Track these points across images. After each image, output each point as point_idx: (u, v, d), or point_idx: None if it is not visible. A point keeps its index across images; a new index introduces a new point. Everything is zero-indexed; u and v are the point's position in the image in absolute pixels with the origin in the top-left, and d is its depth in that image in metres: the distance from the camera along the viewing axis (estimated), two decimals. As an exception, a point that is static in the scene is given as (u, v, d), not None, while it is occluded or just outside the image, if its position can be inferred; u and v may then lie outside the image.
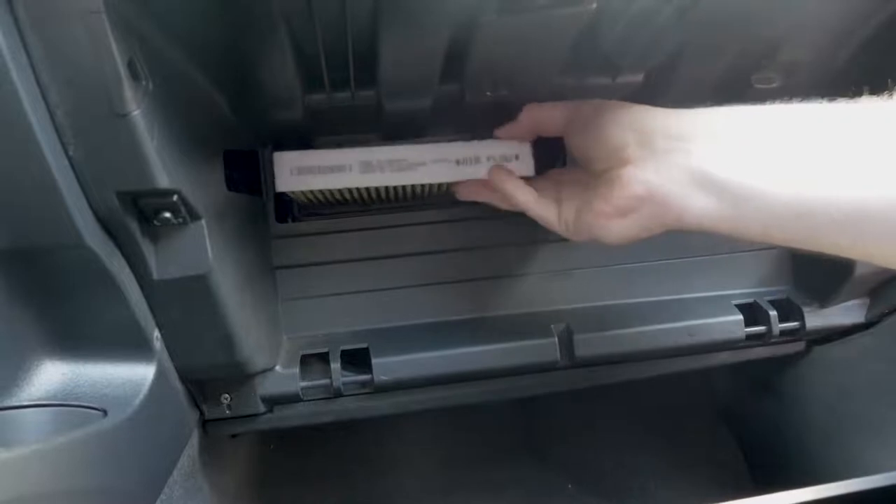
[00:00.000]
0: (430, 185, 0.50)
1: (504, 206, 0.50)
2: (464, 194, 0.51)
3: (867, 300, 0.64)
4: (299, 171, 0.48)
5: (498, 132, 0.49)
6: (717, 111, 0.38)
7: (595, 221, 0.42)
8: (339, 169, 0.48)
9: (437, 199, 0.57)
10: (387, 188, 0.50)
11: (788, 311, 0.62)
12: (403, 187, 0.50)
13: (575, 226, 0.45)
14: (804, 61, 0.50)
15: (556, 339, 0.57)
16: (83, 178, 0.35)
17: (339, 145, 0.50)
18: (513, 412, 0.88)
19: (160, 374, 0.43)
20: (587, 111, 0.43)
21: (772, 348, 0.66)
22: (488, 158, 0.49)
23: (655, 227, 0.40)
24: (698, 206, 0.37)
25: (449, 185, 0.51)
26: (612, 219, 0.41)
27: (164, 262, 0.41)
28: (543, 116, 0.47)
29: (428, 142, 0.49)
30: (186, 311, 0.43)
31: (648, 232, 0.40)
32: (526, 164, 0.49)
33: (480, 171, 0.49)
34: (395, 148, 0.48)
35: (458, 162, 0.49)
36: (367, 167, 0.48)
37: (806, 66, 0.51)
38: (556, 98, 0.49)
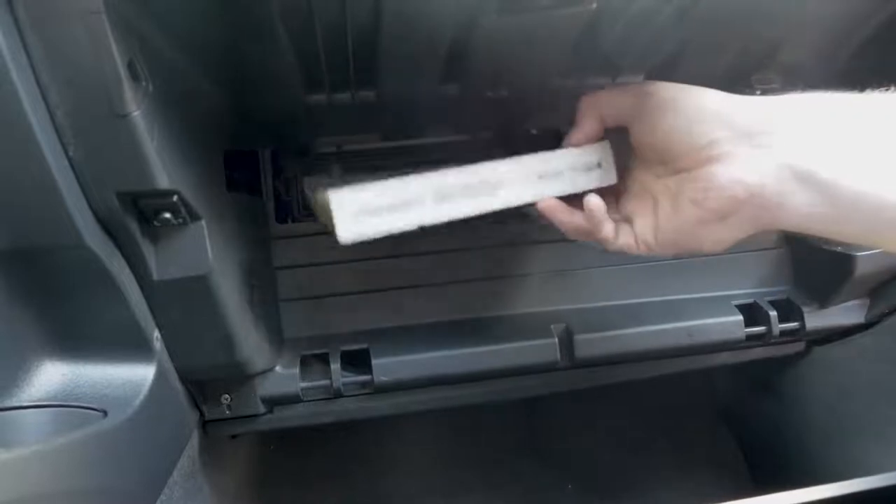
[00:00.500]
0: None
1: (574, 235, 0.43)
2: (547, 215, 0.43)
3: (867, 300, 0.64)
4: (365, 213, 0.39)
5: (570, 140, 0.43)
6: (813, 99, 0.35)
7: (689, 231, 0.38)
8: (410, 204, 0.40)
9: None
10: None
11: (788, 311, 0.62)
12: None
13: (660, 242, 0.40)
14: (804, 61, 0.50)
15: (556, 339, 0.57)
16: (83, 178, 0.35)
17: (377, 168, 0.46)
18: (513, 412, 0.88)
19: (160, 375, 0.43)
20: (660, 98, 0.38)
21: (772, 349, 0.66)
22: (571, 170, 0.42)
23: (751, 230, 0.37)
24: (796, 206, 0.34)
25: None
26: (708, 225, 0.37)
27: (164, 263, 0.41)
28: (605, 104, 0.41)
29: (503, 157, 0.43)
30: (186, 311, 0.43)
31: (744, 234, 0.37)
32: (608, 171, 0.43)
33: (564, 187, 0.42)
34: (468, 169, 0.41)
35: (539, 177, 0.42)
36: (442, 197, 0.40)
37: (806, 66, 0.51)
38: (555, 98, 0.49)
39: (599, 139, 0.43)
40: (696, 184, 0.37)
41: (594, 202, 0.41)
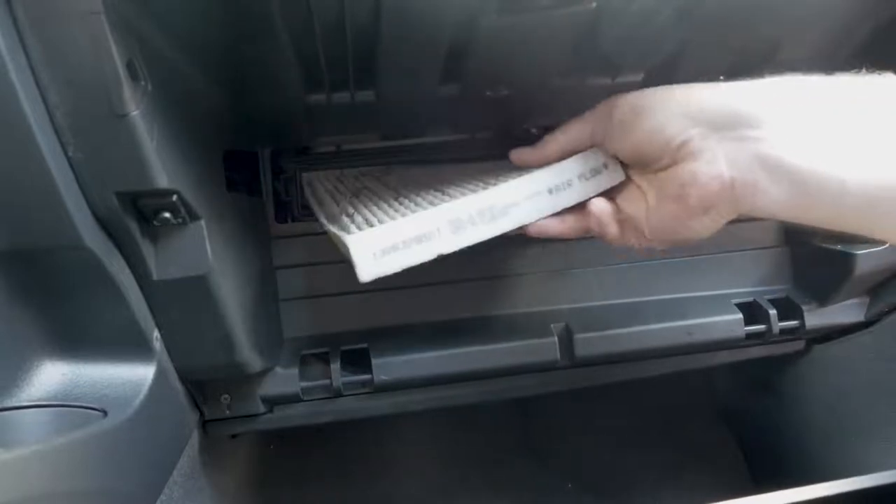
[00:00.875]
0: None
1: (572, 236, 0.44)
2: (542, 236, 0.44)
3: (867, 299, 0.64)
4: (383, 253, 0.39)
5: (519, 156, 0.44)
6: (780, 84, 0.36)
7: (676, 223, 0.39)
8: (427, 237, 0.40)
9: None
10: None
11: (788, 309, 0.62)
12: None
13: (651, 233, 0.41)
14: (804, 61, 0.50)
15: (556, 338, 0.57)
16: (82, 178, 0.35)
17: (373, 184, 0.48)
18: (513, 412, 0.88)
19: (160, 375, 0.43)
20: (623, 110, 0.39)
21: (771, 347, 0.66)
22: (580, 177, 0.42)
23: (732, 216, 0.38)
24: (771, 194, 0.35)
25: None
26: (693, 218, 0.38)
27: (163, 263, 0.41)
28: (569, 140, 0.42)
29: (510, 174, 0.44)
30: (186, 311, 0.43)
31: (728, 219, 0.38)
32: (614, 170, 0.43)
33: (574, 195, 0.42)
34: (480, 195, 0.41)
35: (550, 191, 0.42)
36: (457, 226, 0.40)
37: (806, 65, 0.51)
38: (555, 98, 0.49)
39: None
40: (675, 181, 0.38)
41: (601, 207, 0.42)
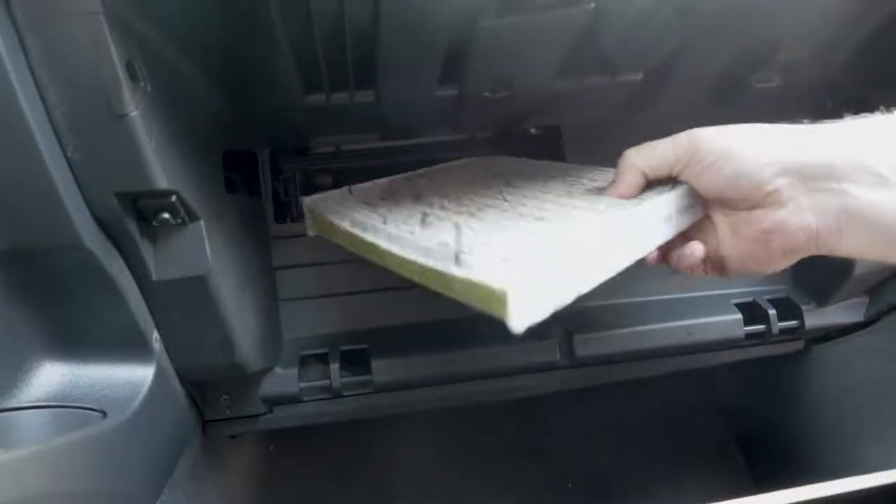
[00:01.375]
0: None
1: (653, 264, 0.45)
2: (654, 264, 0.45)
3: (866, 299, 0.64)
4: (539, 298, 0.34)
5: (612, 193, 0.43)
6: (865, 136, 0.37)
7: (751, 264, 0.41)
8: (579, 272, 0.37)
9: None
10: None
11: (788, 309, 0.62)
12: None
13: (724, 266, 0.42)
14: (803, 60, 0.50)
15: (556, 338, 0.57)
16: (82, 179, 0.35)
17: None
18: (513, 412, 0.88)
19: (159, 375, 0.43)
20: (712, 151, 0.39)
21: (771, 347, 0.66)
22: (678, 212, 0.42)
23: (808, 255, 0.39)
24: (853, 241, 0.37)
25: None
26: (772, 260, 0.39)
27: (162, 263, 0.41)
28: (647, 160, 0.41)
29: (619, 205, 0.42)
30: (186, 311, 0.43)
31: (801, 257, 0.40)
32: (697, 208, 0.42)
33: (675, 228, 0.42)
34: (622, 218, 0.39)
35: (664, 220, 0.41)
36: (605, 254, 0.38)
37: (805, 65, 0.51)
38: (554, 98, 0.49)
39: (643, 188, 0.43)
40: (758, 226, 0.38)
41: (696, 251, 0.42)
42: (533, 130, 0.60)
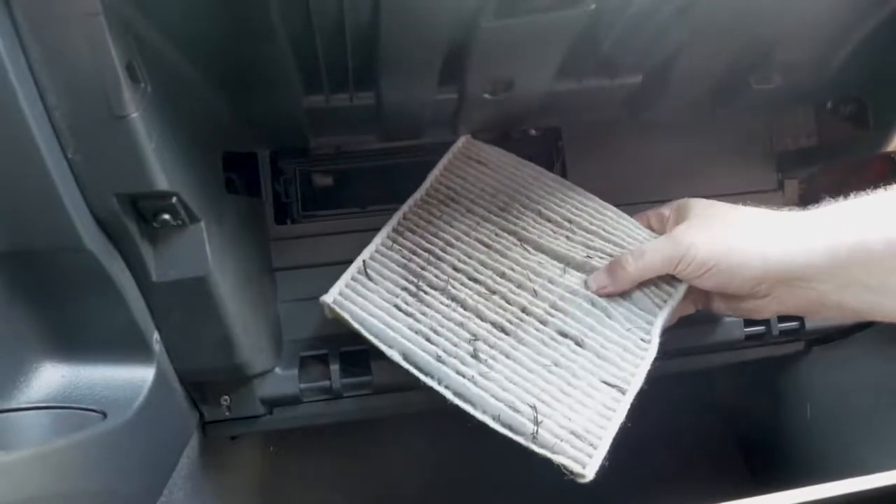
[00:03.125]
0: None
1: None
2: None
3: (866, 300, 0.63)
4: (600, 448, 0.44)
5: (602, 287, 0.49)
6: (840, 241, 0.42)
7: (742, 314, 0.52)
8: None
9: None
10: None
11: (787, 310, 0.61)
12: None
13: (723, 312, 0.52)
14: (802, 61, 0.50)
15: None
16: (82, 180, 0.35)
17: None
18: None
19: (160, 377, 0.43)
20: (703, 261, 0.45)
21: (771, 348, 0.66)
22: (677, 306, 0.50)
23: None
24: (829, 315, 0.51)
25: None
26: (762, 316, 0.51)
27: (163, 265, 0.41)
28: (646, 269, 0.48)
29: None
30: (186, 313, 0.43)
31: None
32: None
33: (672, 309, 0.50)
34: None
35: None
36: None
37: (804, 65, 0.51)
38: (554, 99, 0.49)
39: None
40: (745, 305, 0.48)
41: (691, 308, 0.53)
42: (533, 131, 0.60)
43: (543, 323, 0.47)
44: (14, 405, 0.37)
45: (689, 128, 0.60)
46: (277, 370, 0.54)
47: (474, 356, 0.45)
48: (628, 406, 0.45)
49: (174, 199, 0.38)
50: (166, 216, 0.39)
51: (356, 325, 0.47)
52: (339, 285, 0.49)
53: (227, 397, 0.53)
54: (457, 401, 0.45)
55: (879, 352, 0.64)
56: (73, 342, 0.40)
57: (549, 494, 0.82)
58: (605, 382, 0.46)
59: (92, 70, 0.31)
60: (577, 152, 0.59)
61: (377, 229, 0.53)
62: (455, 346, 0.46)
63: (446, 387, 0.45)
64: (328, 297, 0.48)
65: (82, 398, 0.40)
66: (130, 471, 0.42)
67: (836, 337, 0.66)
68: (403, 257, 0.50)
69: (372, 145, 0.57)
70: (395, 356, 0.46)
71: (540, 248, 0.51)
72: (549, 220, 0.52)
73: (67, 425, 0.38)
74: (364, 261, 0.50)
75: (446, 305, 0.48)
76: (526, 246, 0.51)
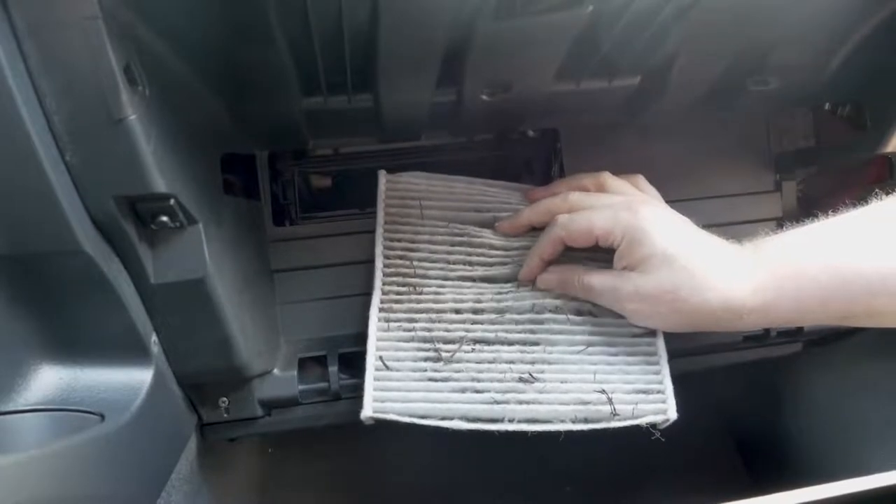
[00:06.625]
0: None
1: None
2: None
3: (865, 301, 0.63)
4: None
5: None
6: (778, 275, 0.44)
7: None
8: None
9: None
10: None
11: (786, 311, 0.61)
12: None
13: None
14: (800, 63, 0.50)
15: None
16: (80, 183, 0.35)
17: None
18: (512, 414, 0.88)
19: (158, 379, 0.43)
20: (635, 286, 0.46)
21: (769, 349, 0.66)
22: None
23: None
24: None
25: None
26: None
27: (161, 267, 0.41)
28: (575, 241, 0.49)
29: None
30: (184, 315, 0.43)
31: None
32: None
33: None
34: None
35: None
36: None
37: (802, 68, 0.51)
38: (553, 101, 0.49)
39: None
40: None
41: None
42: (531, 133, 0.60)
43: (559, 314, 0.48)
44: (11, 407, 0.37)
45: (686, 129, 0.60)
46: (276, 372, 0.54)
47: (523, 381, 0.45)
48: (664, 344, 0.48)
49: (172, 202, 0.38)
50: (164, 218, 0.39)
51: (407, 420, 0.46)
52: (368, 396, 0.48)
53: (225, 399, 0.53)
54: (534, 428, 0.45)
55: (877, 352, 0.64)
56: (71, 344, 0.40)
57: (549, 494, 0.82)
58: (635, 336, 0.48)
59: (90, 73, 0.31)
60: (575, 154, 0.59)
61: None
62: (502, 382, 0.46)
63: (518, 422, 0.45)
64: (365, 413, 0.47)
65: (80, 400, 0.40)
66: (128, 473, 0.42)
67: (833, 338, 0.66)
68: (405, 331, 0.50)
69: (370, 147, 0.57)
70: (459, 425, 0.46)
71: (508, 252, 0.52)
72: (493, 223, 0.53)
73: (65, 428, 0.38)
74: (380, 356, 0.49)
75: (471, 351, 0.47)
76: (497, 256, 0.52)
